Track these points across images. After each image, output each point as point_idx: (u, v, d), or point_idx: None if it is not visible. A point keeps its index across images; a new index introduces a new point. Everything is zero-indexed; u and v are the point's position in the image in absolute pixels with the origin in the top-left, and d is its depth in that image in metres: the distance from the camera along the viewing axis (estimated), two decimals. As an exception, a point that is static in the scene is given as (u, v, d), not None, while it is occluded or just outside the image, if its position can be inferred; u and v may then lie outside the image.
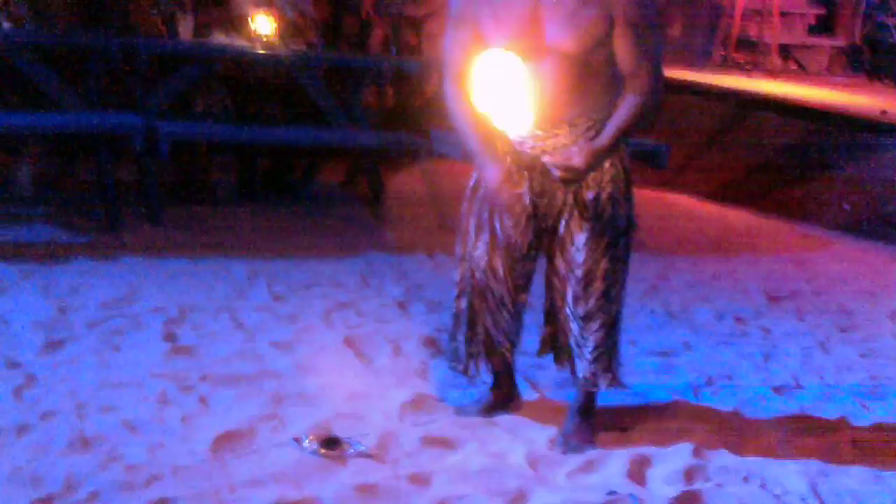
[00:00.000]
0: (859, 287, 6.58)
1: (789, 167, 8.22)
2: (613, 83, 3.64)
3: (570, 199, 3.72)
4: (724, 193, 8.43)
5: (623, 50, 3.57)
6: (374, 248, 6.28)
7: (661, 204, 8.16)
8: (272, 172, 7.42)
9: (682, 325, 5.50)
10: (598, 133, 3.63)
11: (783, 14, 11.02)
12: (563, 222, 3.75)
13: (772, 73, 10.48)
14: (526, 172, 3.72)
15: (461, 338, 3.92)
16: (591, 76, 3.60)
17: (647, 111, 3.63)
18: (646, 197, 8.07)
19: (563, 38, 3.53)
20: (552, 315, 3.92)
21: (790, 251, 7.29)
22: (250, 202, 7.12)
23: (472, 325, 3.89)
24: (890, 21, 11.59)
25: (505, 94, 3.51)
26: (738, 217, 8.10)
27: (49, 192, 6.81)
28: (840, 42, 11.53)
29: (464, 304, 3.88)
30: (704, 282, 6.36)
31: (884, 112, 8.41)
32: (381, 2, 8.87)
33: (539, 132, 3.64)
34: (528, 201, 3.74)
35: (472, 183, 3.86)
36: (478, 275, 3.82)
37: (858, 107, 8.87)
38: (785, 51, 11.15)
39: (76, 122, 6.43)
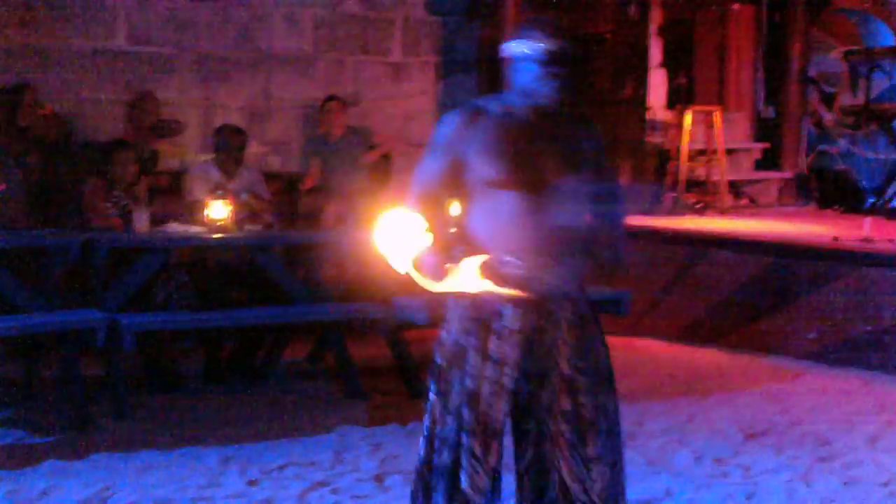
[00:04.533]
0: (834, 415, 6.59)
1: (751, 302, 8.29)
2: None
3: (565, 338, 3.71)
4: (690, 334, 8.47)
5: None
6: (346, 422, 6.23)
7: (628, 350, 8.18)
8: (237, 355, 7.39)
9: (662, 472, 5.47)
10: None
11: (729, 152, 11.24)
12: (559, 363, 3.70)
13: (724, 211, 10.64)
14: (520, 311, 3.68)
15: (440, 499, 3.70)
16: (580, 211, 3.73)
17: None
18: (612, 345, 8.08)
19: (566, 174, 3.65)
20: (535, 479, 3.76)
21: (762, 385, 7.29)
22: (217, 387, 7.08)
23: (454, 483, 3.67)
24: (833, 150, 11.85)
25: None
26: (706, 356, 8.12)
27: (12, 393, 6.74)
28: (787, 174, 11.75)
29: (446, 458, 3.67)
30: (680, 425, 6.34)
31: (835, 239, 8.53)
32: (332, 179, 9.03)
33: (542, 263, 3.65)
34: (519, 343, 3.67)
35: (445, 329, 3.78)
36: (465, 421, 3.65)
37: (812, 236, 9.00)
38: (735, 187, 11.34)
39: (38, 323, 6.41)
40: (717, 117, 10.86)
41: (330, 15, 10.18)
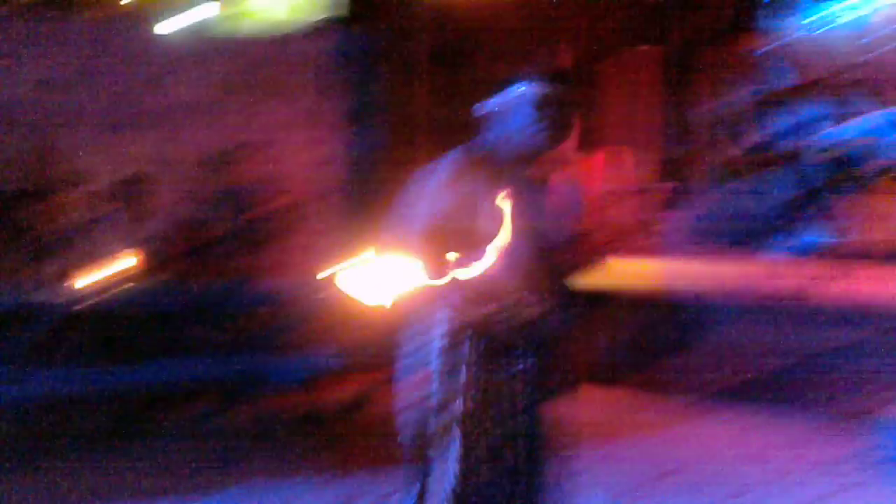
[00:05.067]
0: (743, 451, 6.66)
1: (654, 343, 8.35)
2: None
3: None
4: (594, 375, 8.38)
5: None
6: (257, 474, 6.14)
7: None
8: (146, 410, 7.26)
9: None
10: None
11: (637, 192, 11.32)
12: None
13: (631, 251, 10.70)
14: (533, 354, 3.79)
15: None
16: None
17: None
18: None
19: (560, 219, 3.79)
20: None
21: (670, 426, 7.33)
22: (126, 444, 6.93)
23: None
24: (740, 189, 11.99)
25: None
26: (612, 397, 8.04)
27: None
28: (695, 213, 11.86)
29: None
30: (587, 468, 6.29)
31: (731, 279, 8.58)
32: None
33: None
34: None
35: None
36: None
37: (715, 275, 9.05)
38: (643, 227, 11.41)
39: None
40: (627, 157, 10.95)
41: (236, 62, 10.13)
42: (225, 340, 7.18)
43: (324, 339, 7.15)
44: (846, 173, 10.69)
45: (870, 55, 11.66)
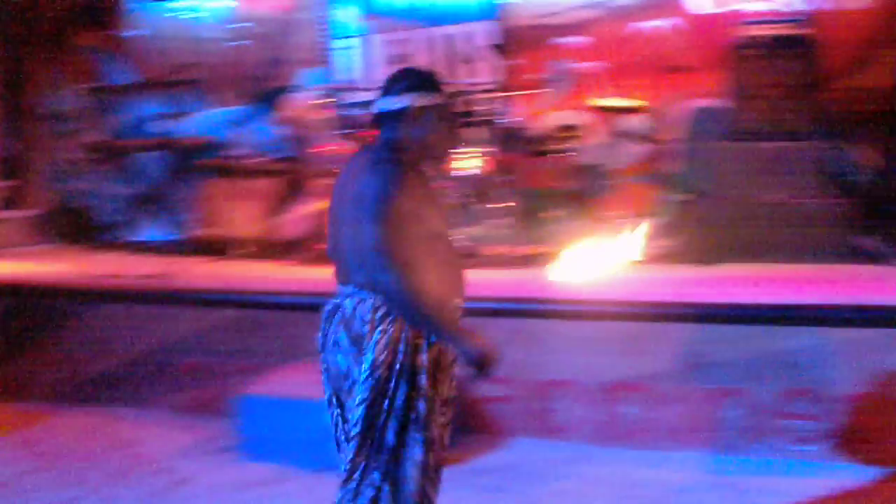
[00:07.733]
0: (84, 453, 6.58)
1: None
2: None
3: None
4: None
5: None
6: None
7: None
8: None
9: None
10: None
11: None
12: None
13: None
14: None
15: None
16: None
17: None
18: None
19: None
20: None
21: (9, 431, 7.10)
22: None
23: None
24: (79, 186, 11.86)
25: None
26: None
27: None
28: (32, 212, 11.56)
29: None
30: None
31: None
32: None
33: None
34: None
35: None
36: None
37: (53, 275, 8.85)
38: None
39: None
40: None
41: None
42: None
43: None
44: (188, 169, 10.92)
45: (208, 55, 12.01)
